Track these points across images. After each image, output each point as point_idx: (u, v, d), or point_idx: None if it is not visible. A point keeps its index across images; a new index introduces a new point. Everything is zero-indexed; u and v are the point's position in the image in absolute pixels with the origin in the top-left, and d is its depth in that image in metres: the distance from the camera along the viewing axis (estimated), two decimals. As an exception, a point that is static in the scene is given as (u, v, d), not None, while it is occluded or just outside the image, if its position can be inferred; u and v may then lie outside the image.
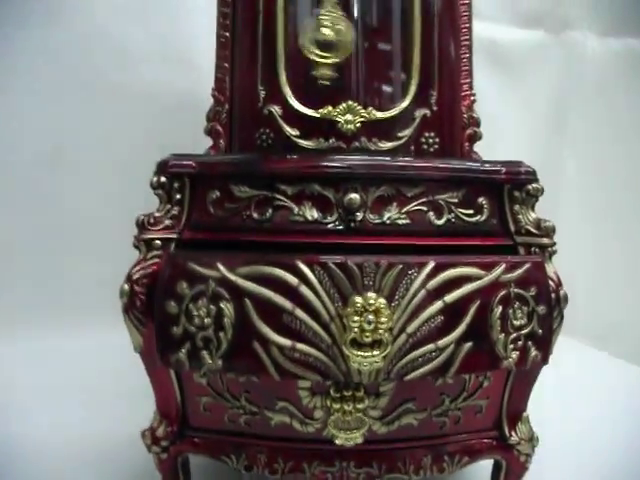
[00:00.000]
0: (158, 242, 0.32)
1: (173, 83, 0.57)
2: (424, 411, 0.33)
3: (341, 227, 0.29)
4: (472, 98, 0.40)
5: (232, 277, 0.28)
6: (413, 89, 0.36)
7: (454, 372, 0.28)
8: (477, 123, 0.40)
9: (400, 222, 0.30)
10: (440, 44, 0.37)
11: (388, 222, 0.30)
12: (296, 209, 0.29)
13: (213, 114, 0.39)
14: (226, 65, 0.38)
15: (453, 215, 0.32)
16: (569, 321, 0.34)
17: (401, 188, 0.30)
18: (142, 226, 0.33)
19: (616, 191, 0.66)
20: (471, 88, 0.40)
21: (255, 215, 0.29)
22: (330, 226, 0.29)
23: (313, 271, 0.28)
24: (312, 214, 0.29)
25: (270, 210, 0.29)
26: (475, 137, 0.40)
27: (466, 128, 0.39)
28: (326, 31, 0.37)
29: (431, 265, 0.28)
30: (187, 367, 0.29)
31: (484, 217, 0.33)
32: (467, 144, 0.39)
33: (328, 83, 0.36)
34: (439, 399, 0.33)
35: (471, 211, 0.32)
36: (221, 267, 0.28)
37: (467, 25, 0.40)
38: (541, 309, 0.30)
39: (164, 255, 0.30)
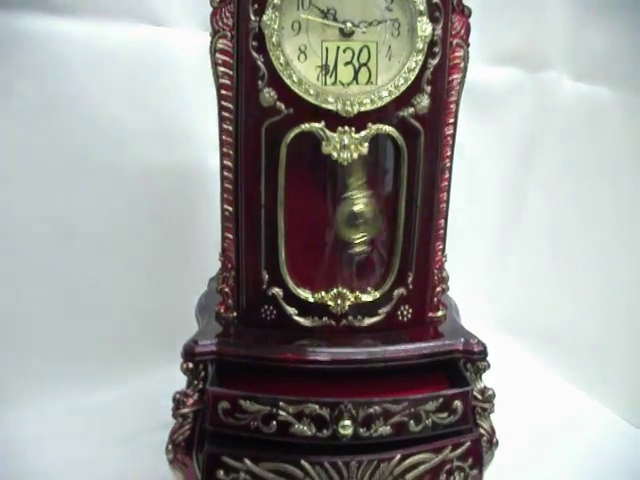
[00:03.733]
0: (190, 414, 0.42)
1: (167, 156, 0.61)
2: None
3: (334, 441, 0.39)
4: (443, 259, 0.47)
5: (256, 470, 0.39)
6: (394, 275, 0.44)
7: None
8: (445, 280, 0.47)
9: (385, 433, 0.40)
10: (420, 232, 0.44)
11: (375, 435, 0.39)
12: (296, 424, 0.39)
13: (222, 278, 0.45)
14: (230, 237, 0.44)
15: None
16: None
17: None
18: (177, 403, 0.42)
19: (572, 220, 0.73)
20: (443, 251, 0.46)
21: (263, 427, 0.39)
22: (324, 439, 0.39)
23: (313, 467, 0.39)
24: (310, 430, 0.39)
25: (274, 423, 0.39)
26: (443, 291, 0.47)
27: (436, 287, 0.46)
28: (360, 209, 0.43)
29: (397, 457, 0.39)
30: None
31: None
32: (436, 299, 0.47)
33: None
34: None
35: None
36: (248, 462, 0.39)
37: (444, 204, 0.44)
38: (474, 472, 0.42)
39: (204, 450, 0.40)
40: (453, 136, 0.45)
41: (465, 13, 0.44)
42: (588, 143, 0.71)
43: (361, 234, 0.44)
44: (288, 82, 0.40)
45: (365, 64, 0.40)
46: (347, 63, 0.40)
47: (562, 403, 0.71)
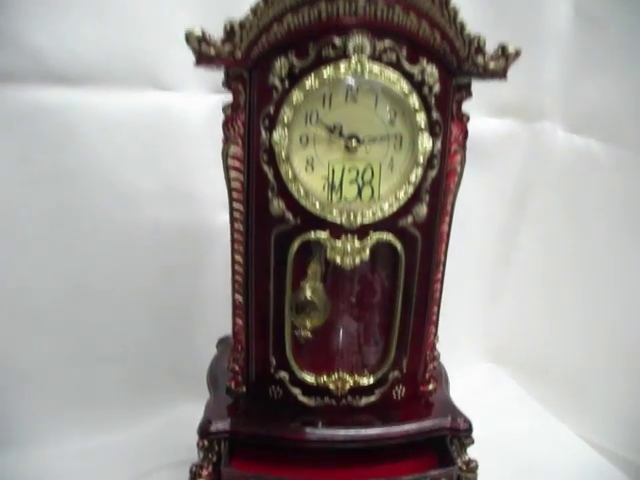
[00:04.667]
0: (206, 484, 0.47)
1: (177, 215, 0.63)
2: None
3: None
4: (435, 341, 0.50)
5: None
6: (389, 361, 0.48)
7: None
8: (437, 358, 0.51)
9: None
10: (415, 322, 0.47)
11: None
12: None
13: (232, 358, 0.49)
14: (240, 322, 0.48)
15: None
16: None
17: None
18: (193, 475, 0.46)
19: (561, 262, 0.77)
20: (435, 334, 0.50)
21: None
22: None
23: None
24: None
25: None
26: (434, 368, 0.51)
27: (428, 365, 0.50)
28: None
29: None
30: None
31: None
32: (428, 375, 0.51)
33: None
34: None
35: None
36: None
37: (438, 292, 0.48)
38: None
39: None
40: (448, 233, 0.49)
41: (464, 121, 0.47)
42: (579, 191, 0.74)
43: (309, 320, 0.46)
44: (296, 195, 0.43)
45: (369, 182, 0.43)
46: (352, 181, 0.43)
47: (539, 433, 0.76)
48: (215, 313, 0.63)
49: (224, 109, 0.45)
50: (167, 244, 0.64)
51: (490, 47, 0.70)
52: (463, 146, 0.47)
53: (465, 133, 0.47)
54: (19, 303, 0.60)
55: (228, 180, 0.46)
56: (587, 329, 0.75)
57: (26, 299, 0.61)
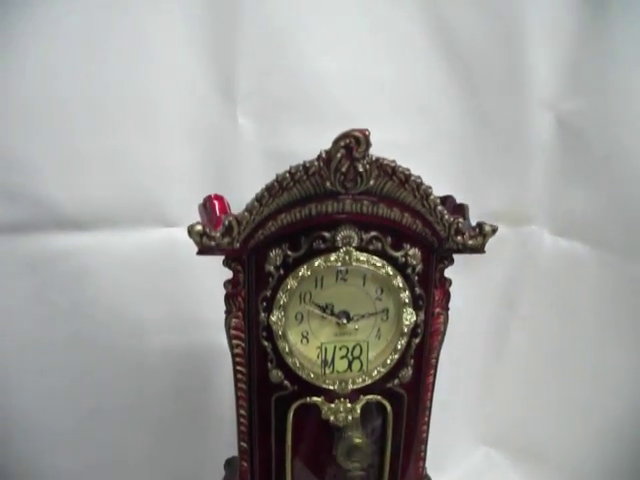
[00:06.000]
0: None
1: (184, 341, 0.68)
2: None
3: None
4: (423, 472, 0.54)
5: None
6: (381, 499, 0.52)
7: None
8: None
9: None
10: (404, 461, 0.52)
11: None
12: None
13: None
14: (245, 464, 0.52)
15: None
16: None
17: None
18: None
19: (550, 357, 0.81)
20: (423, 466, 0.54)
21: None
22: None
23: None
24: None
25: None
26: None
27: (420, 488, 0.55)
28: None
29: None
30: None
31: None
32: (419, 498, 0.55)
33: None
34: None
35: None
36: None
37: (424, 433, 0.52)
38: None
39: None
40: (433, 382, 0.53)
41: (446, 286, 0.50)
42: (565, 291, 0.78)
43: (357, 463, 0.52)
44: (292, 367, 0.47)
45: (358, 357, 0.48)
46: (342, 357, 0.48)
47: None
48: (223, 423, 0.69)
49: (225, 285, 0.49)
50: (175, 366, 0.69)
51: (474, 156, 0.74)
52: (446, 308, 0.51)
53: (448, 296, 0.51)
54: (36, 424, 0.66)
55: (231, 347, 0.50)
56: (578, 416, 0.79)
57: (42, 421, 0.66)
